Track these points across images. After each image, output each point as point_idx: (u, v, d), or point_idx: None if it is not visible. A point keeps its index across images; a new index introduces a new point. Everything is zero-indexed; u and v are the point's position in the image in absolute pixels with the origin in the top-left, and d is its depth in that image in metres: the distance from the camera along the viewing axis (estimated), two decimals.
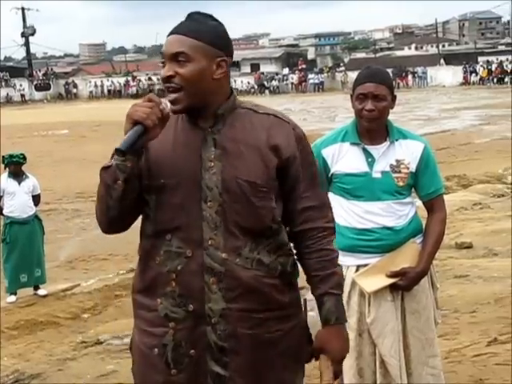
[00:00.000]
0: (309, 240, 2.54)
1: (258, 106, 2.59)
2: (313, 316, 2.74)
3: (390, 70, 3.78)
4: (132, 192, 2.43)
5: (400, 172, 3.58)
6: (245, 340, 2.46)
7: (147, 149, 2.45)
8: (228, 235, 2.44)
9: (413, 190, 3.68)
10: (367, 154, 3.59)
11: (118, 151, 2.33)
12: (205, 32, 2.44)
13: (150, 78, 60.50)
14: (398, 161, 3.58)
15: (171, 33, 2.47)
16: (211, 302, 2.43)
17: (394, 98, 3.61)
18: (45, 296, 8.91)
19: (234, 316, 2.44)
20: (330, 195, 3.63)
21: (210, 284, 2.43)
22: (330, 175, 3.62)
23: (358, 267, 3.60)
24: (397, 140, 3.60)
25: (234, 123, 2.49)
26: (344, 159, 3.59)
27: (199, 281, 2.43)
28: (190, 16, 2.50)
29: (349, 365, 3.58)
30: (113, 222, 2.49)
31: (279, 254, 2.51)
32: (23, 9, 68.29)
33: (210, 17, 2.52)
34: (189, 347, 2.46)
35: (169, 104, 2.42)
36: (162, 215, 2.48)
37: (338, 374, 2.60)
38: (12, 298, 8.85)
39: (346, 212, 3.60)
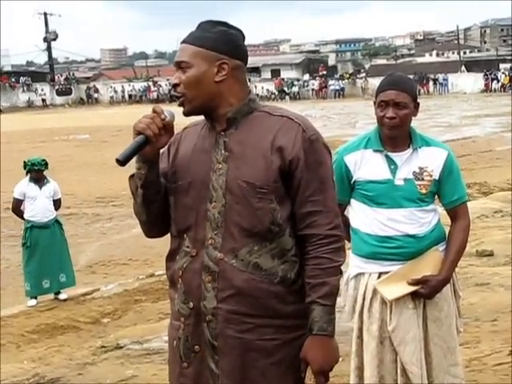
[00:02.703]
0: (309, 246, 2.50)
1: (277, 109, 2.59)
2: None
3: (411, 77, 3.75)
4: (153, 196, 2.54)
5: (423, 179, 3.55)
6: (233, 342, 2.48)
7: (176, 153, 2.59)
8: (227, 236, 2.48)
9: (436, 197, 3.66)
10: (390, 161, 3.57)
11: (116, 160, 2.41)
12: (205, 38, 2.50)
13: (170, 84, 60.62)
14: (421, 168, 3.55)
15: (181, 43, 2.56)
16: (206, 300, 2.50)
17: (417, 105, 3.58)
18: (65, 300, 8.95)
19: (223, 316, 2.48)
20: (353, 202, 3.63)
21: (205, 282, 2.49)
22: (352, 182, 3.61)
23: (380, 274, 3.58)
24: (420, 147, 3.57)
25: (246, 126, 2.53)
26: (366, 166, 3.57)
27: (198, 279, 2.50)
28: (199, 25, 2.57)
29: (370, 372, 3.57)
30: (147, 226, 2.65)
31: (284, 261, 2.50)
32: (45, 14, 68.94)
33: (221, 23, 2.55)
34: (194, 343, 2.54)
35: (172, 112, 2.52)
36: (178, 216, 2.58)
37: None
38: (32, 302, 8.88)
39: (369, 219, 3.58)
